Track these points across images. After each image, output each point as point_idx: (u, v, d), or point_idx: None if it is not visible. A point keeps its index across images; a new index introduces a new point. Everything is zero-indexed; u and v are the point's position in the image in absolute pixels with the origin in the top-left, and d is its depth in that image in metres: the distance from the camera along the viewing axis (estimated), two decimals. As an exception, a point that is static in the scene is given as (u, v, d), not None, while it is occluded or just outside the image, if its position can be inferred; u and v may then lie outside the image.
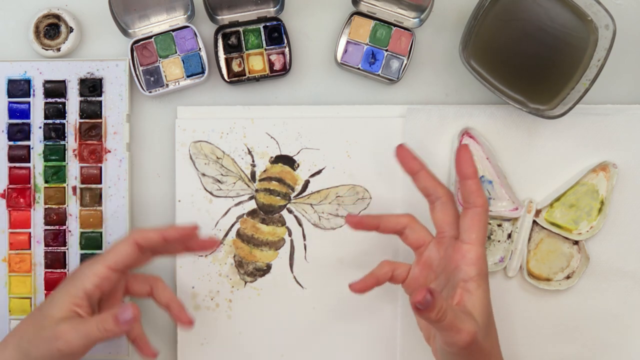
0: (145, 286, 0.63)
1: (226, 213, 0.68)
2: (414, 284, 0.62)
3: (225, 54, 0.68)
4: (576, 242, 0.67)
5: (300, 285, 0.68)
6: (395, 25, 0.67)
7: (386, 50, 0.67)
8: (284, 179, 0.68)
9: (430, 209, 0.61)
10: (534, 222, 0.67)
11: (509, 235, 0.67)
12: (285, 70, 0.68)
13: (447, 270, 0.59)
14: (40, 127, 0.68)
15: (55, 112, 0.68)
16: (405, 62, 0.67)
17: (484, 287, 0.58)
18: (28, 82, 0.68)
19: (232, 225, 0.68)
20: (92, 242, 0.67)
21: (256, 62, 0.68)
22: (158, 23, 0.67)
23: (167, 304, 0.63)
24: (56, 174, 0.68)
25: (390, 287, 0.67)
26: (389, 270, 0.62)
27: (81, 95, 0.68)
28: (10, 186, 0.67)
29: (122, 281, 0.63)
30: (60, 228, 0.68)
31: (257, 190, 0.68)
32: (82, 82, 0.68)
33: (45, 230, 0.68)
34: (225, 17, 0.67)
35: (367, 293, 0.62)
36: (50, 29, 0.68)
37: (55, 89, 0.68)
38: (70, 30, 0.68)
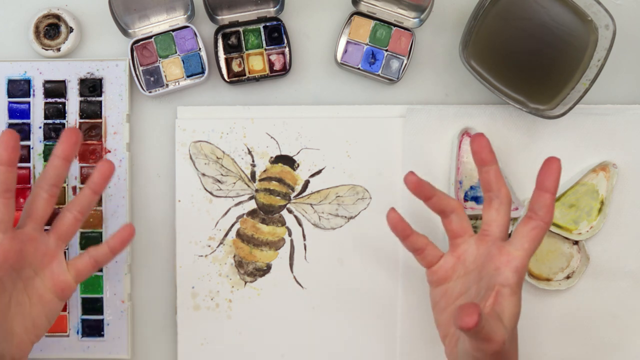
0: (85, 259, 0.61)
1: (226, 213, 0.68)
2: (441, 273, 0.61)
3: (225, 54, 0.68)
4: (576, 242, 0.67)
5: (300, 285, 0.68)
6: (395, 25, 0.67)
7: (386, 50, 0.67)
8: (284, 179, 0.68)
9: (485, 205, 0.60)
10: (534, 222, 0.67)
11: (509, 235, 0.67)
12: (285, 70, 0.68)
13: (485, 270, 0.58)
14: (40, 127, 0.68)
15: (55, 112, 0.68)
16: (405, 62, 0.67)
17: (518, 295, 0.57)
18: (28, 82, 0.68)
19: (232, 225, 0.68)
20: (92, 242, 0.67)
21: (256, 62, 0.68)
22: (158, 23, 0.67)
23: (115, 247, 0.61)
24: (56, 174, 0.68)
25: (391, 287, 0.67)
26: (424, 245, 0.61)
27: (81, 95, 0.68)
28: (10, 186, 0.67)
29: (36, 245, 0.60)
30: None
31: (257, 190, 0.68)
32: (82, 82, 0.68)
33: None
34: (225, 17, 0.67)
35: (401, 228, 0.61)
36: (50, 29, 0.68)
37: (55, 89, 0.68)
38: (70, 30, 0.68)
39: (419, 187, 0.60)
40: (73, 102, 0.68)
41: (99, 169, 0.60)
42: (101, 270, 0.67)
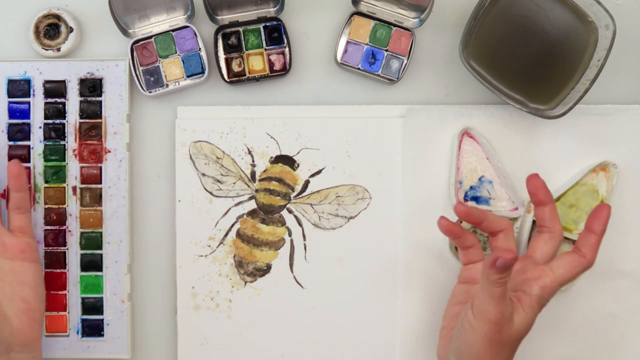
0: (13, 214, 0.64)
1: (226, 213, 0.68)
2: (473, 274, 0.63)
3: (225, 54, 0.68)
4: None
5: (300, 285, 0.68)
6: (395, 25, 0.67)
7: (386, 50, 0.67)
8: (284, 179, 0.68)
9: (537, 236, 0.62)
10: (534, 222, 0.67)
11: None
12: (285, 70, 0.68)
13: (514, 281, 0.59)
14: (40, 127, 0.68)
15: (55, 112, 0.68)
16: (405, 62, 0.67)
17: (534, 311, 0.58)
18: (28, 82, 0.68)
19: (232, 225, 0.68)
20: (92, 242, 0.67)
21: (256, 62, 0.68)
22: (158, 23, 0.67)
23: (17, 185, 0.65)
24: (56, 174, 0.68)
25: (391, 286, 0.67)
26: (472, 243, 0.62)
27: (81, 95, 0.68)
28: (10, 186, 0.68)
29: None
30: (60, 228, 0.68)
31: (257, 190, 0.68)
32: (82, 82, 0.68)
33: (45, 230, 0.67)
34: (225, 17, 0.67)
35: (452, 230, 0.62)
36: (50, 29, 0.68)
37: (55, 89, 0.68)
38: (70, 30, 0.68)
39: (469, 215, 0.62)
40: (73, 102, 0.68)
41: None
42: (101, 270, 0.67)
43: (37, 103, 0.68)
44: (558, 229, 0.62)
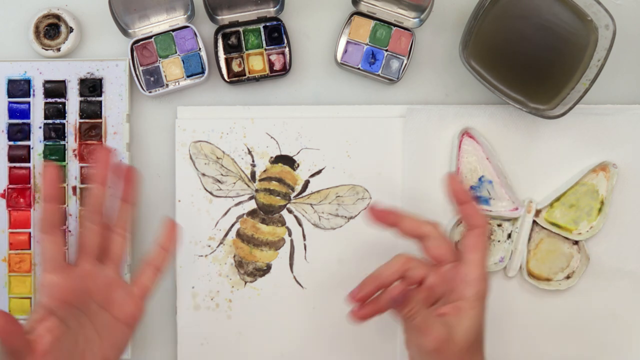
0: (147, 271, 0.60)
1: (226, 213, 0.68)
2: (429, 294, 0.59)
3: (225, 54, 0.68)
4: (576, 242, 0.68)
5: (300, 285, 0.68)
6: (395, 25, 0.67)
7: (386, 50, 0.67)
8: (284, 179, 0.68)
9: (469, 233, 0.59)
10: (534, 222, 0.67)
11: (509, 235, 0.68)
12: (285, 70, 0.68)
13: (443, 297, 0.58)
14: (40, 127, 0.68)
15: (55, 112, 0.68)
16: (405, 62, 0.67)
17: (478, 309, 0.56)
18: (28, 82, 0.68)
19: (232, 225, 0.68)
20: (92, 242, 0.67)
21: (256, 62, 0.68)
22: (158, 23, 0.67)
23: (166, 245, 0.61)
24: (56, 174, 0.68)
25: (390, 287, 0.68)
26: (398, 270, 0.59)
27: (81, 95, 0.68)
28: (10, 186, 0.68)
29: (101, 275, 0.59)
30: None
31: (257, 190, 0.68)
32: (82, 82, 0.68)
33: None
34: (225, 17, 0.67)
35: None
36: (50, 29, 0.68)
37: (55, 89, 0.68)
38: (70, 30, 0.68)
39: (383, 219, 0.60)
40: (73, 102, 0.68)
41: (122, 174, 0.62)
42: (101, 270, 0.67)
43: (37, 103, 0.68)
44: (485, 221, 0.59)
